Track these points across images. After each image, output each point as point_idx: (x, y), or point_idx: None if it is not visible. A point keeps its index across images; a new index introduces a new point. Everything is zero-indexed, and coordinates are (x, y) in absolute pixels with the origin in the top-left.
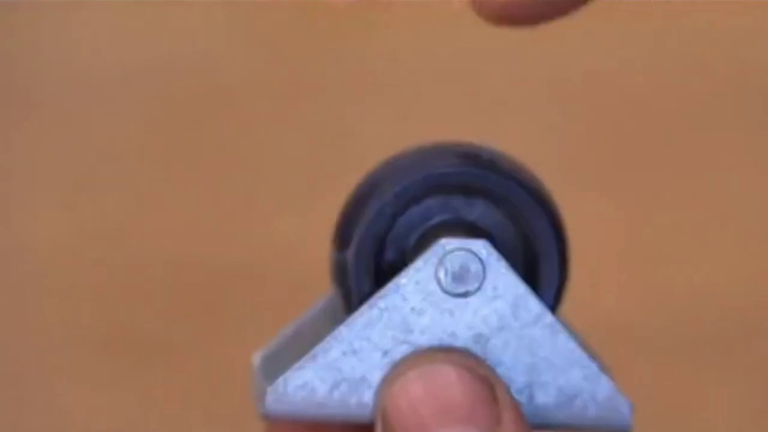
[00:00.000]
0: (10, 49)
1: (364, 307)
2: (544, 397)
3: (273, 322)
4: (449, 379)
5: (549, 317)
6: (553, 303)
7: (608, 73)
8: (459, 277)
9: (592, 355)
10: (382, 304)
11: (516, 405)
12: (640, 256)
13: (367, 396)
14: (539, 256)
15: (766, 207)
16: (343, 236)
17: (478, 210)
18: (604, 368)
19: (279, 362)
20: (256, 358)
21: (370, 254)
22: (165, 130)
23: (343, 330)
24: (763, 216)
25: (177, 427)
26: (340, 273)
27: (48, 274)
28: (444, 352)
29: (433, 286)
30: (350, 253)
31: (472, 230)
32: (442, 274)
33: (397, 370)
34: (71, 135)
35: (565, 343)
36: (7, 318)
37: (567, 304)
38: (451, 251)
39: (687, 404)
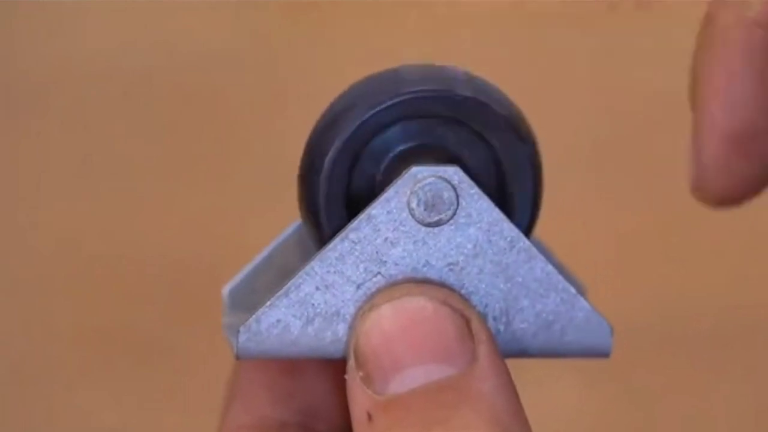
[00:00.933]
0: (10, 49)
1: (336, 240)
2: (521, 324)
3: None
4: (424, 313)
5: (524, 242)
6: (527, 227)
7: (598, 75)
8: (431, 205)
9: (569, 279)
10: (353, 236)
11: (492, 338)
12: (639, 255)
13: (342, 331)
14: (511, 179)
15: (766, 206)
16: (311, 164)
17: (448, 134)
18: (581, 292)
19: (249, 296)
20: (225, 291)
21: (340, 182)
22: (167, 130)
23: (314, 265)
24: (764, 215)
25: (177, 427)
26: (310, 202)
27: (48, 275)
28: (418, 284)
29: (406, 216)
30: (320, 182)
31: (443, 155)
32: (414, 203)
33: (371, 303)
34: (72, 135)
35: (541, 267)
36: (7, 318)
37: None
38: (423, 179)
39: (687, 403)
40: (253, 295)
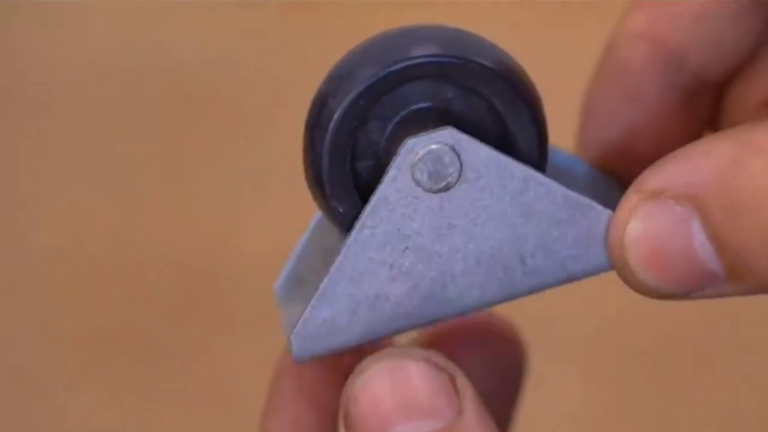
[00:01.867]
0: (10, 49)
1: (355, 231)
2: (559, 252)
3: (271, 324)
4: (408, 372)
5: (536, 176)
6: (538, 159)
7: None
8: (436, 172)
9: (593, 193)
10: (370, 222)
11: (476, 395)
12: None
13: (388, 310)
14: (510, 119)
15: None
16: (312, 154)
17: (440, 93)
18: (608, 200)
19: (299, 287)
20: (276, 288)
21: (343, 165)
22: (167, 130)
23: (341, 258)
24: None
25: (177, 427)
26: (319, 190)
27: (48, 275)
28: (402, 348)
29: (415, 189)
30: (324, 170)
31: (441, 114)
32: (419, 175)
33: (358, 368)
34: (72, 135)
35: (561, 194)
36: (7, 318)
37: (569, 304)
38: (420, 150)
39: (687, 401)
40: (302, 286)
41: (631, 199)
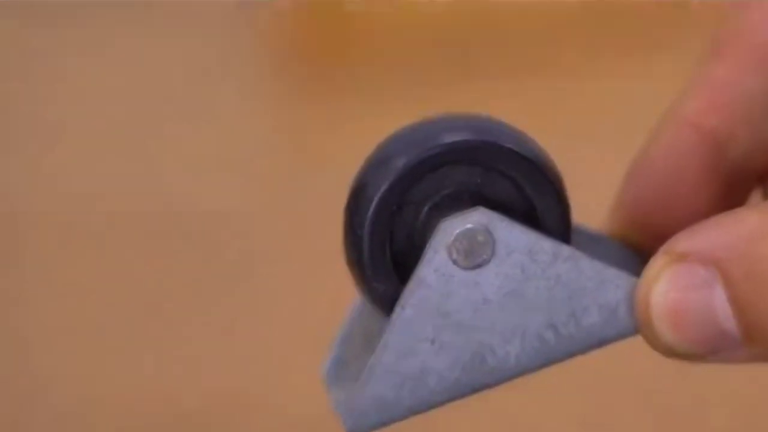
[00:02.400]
0: (11, 181)
1: (397, 310)
2: (590, 319)
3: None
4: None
5: (565, 250)
6: (564, 233)
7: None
8: (471, 251)
9: (619, 262)
10: (412, 301)
11: None
12: None
13: (431, 383)
14: (536, 198)
15: None
16: (352, 237)
17: (470, 177)
18: (633, 270)
19: (344, 369)
20: (323, 373)
21: (383, 248)
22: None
23: (387, 338)
24: None
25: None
26: (360, 271)
27: (55, 247)
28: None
29: (452, 268)
30: (365, 253)
31: (472, 196)
32: (455, 255)
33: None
34: (83, 273)
35: (589, 266)
36: (7, 312)
37: None
38: (454, 231)
39: (685, 402)
40: (347, 368)
41: (659, 260)
